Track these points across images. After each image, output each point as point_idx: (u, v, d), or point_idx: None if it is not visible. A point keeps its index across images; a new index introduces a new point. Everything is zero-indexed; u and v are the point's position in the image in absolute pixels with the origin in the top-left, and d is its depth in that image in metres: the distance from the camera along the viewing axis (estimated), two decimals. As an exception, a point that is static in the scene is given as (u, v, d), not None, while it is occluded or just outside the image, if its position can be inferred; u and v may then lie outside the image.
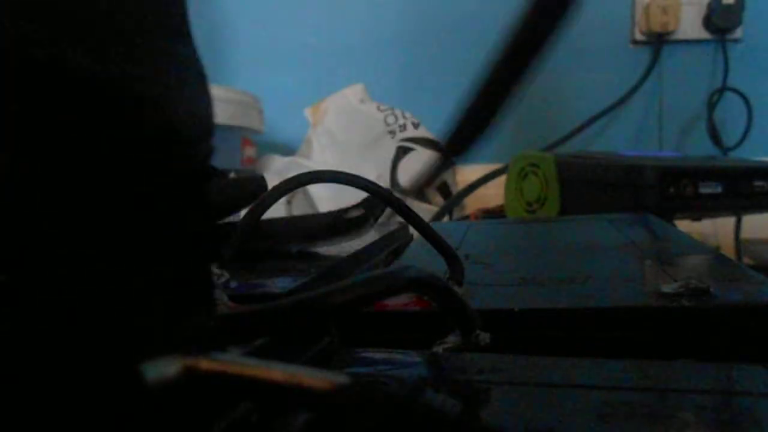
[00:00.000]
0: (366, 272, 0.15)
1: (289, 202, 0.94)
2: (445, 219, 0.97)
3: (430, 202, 1.09)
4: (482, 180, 0.91)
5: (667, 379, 0.17)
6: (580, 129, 1.26)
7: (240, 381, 0.11)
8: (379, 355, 0.20)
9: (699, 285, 0.25)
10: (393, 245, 0.42)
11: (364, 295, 0.14)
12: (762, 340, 0.23)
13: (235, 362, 0.11)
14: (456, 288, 0.27)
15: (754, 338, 0.23)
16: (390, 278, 0.15)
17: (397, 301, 0.26)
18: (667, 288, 0.26)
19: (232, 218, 0.30)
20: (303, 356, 0.19)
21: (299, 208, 0.96)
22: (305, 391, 0.10)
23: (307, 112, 1.19)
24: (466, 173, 1.14)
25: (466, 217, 0.98)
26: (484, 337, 0.19)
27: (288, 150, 1.25)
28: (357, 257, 0.35)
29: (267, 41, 1.39)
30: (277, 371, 0.10)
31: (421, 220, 0.31)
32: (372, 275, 0.15)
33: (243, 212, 0.29)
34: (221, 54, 1.38)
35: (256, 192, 0.26)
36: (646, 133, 1.32)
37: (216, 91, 0.97)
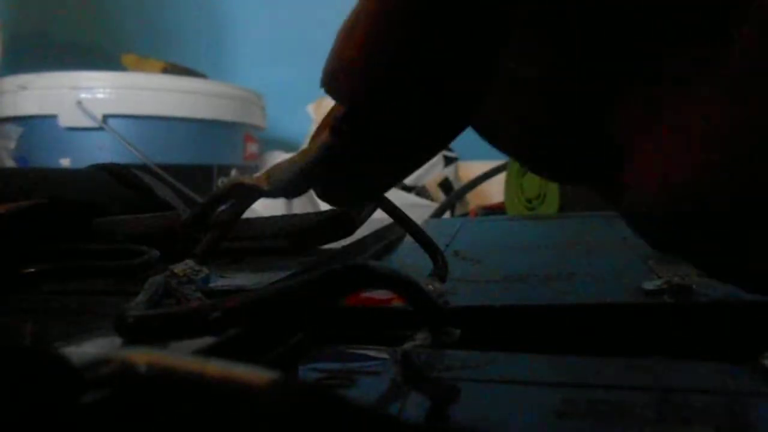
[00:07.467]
0: (326, 269, 0.15)
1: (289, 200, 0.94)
2: (447, 215, 0.97)
3: (432, 199, 1.09)
4: (483, 177, 0.90)
5: (632, 377, 0.17)
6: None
7: (175, 376, 0.11)
8: (350, 352, 0.20)
9: (681, 282, 0.25)
10: (384, 241, 0.42)
11: (318, 291, 0.14)
12: (741, 338, 0.23)
13: (172, 357, 0.11)
14: (438, 284, 0.27)
15: (733, 336, 0.23)
16: (347, 274, 0.15)
17: (381, 297, 0.26)
18: (649, 285, 0.25)
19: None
20: (271, 353, 0.19)
21: (300, 206, 0.96)
22: (239, 387, 0.10)
23: (310, 109, 1.19)
24: (469, 169, 1.14)
25: (468, 214, 0.97)
26: (454, 333, 0.19)
27: (291, 146, 1.25)
28: (345, 253, 0.35)
29: (270, 37, 1.39)
30: (212, 366, 0.10)
31: (405, 216, 0.31)
32: (327, 271, 0.15)
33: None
34: (224, 50, 1.38)
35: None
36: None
37: (219, 87, 0.98)
